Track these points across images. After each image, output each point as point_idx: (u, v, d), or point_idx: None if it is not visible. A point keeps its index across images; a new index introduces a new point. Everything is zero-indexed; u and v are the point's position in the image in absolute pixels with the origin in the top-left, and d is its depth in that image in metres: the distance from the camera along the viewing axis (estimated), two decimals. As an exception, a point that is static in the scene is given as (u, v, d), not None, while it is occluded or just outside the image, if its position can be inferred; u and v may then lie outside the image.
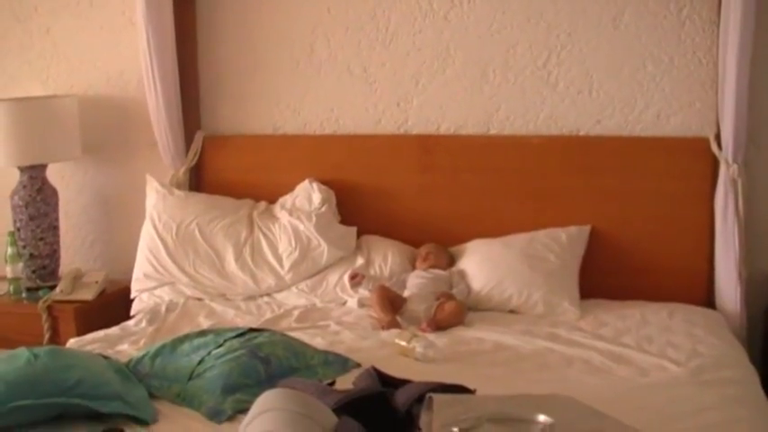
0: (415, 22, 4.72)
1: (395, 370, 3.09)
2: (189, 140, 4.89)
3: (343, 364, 3.44)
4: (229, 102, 4.99)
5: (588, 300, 4.32)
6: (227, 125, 5.00)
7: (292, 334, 3.73)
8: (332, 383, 3.13)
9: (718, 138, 4.35)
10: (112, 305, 4.71)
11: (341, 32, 4.80)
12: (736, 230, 4.29)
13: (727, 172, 4.30)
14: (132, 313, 4.47)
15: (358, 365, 3.40)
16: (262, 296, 4.49)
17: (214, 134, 4.97)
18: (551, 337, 3.89)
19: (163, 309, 4.29)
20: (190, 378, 3.18)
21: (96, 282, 4.75)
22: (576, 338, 3.87)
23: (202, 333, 3.51)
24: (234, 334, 3.43)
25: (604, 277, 4.47)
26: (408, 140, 4.76)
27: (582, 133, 4.62)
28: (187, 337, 3.46)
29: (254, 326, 3.82)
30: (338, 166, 4.78)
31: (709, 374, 3.42)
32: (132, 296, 4.57)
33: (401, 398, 2.67)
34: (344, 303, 4.39)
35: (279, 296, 4.48)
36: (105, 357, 3.36)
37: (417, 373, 3.09)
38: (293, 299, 4.45)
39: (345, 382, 3.12)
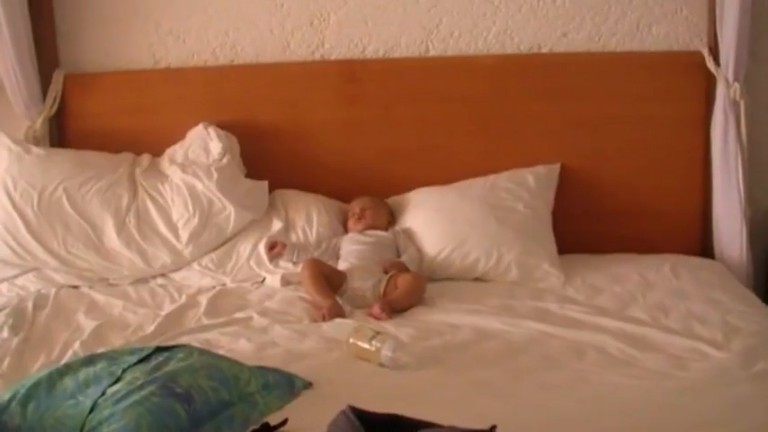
0: None
1: (353, 381, 2.68)
2: (46, 81, 4.27)
3: (288, 385, 2.67)
4: (94, 29, 4.34)
5: (564, 255, 3.86)
6: (94, 59, 4.36)
7: (205, 336, 3.14)
8: (283, 423, 2.36)
9: (713, 51, 3.94)
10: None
11: (233, -71, 4.29)
12: (739, 162, 3.89)
13: (726, 92, 3.87)
14: (-9, 311, 3.85)
15: (308, 385, 2.69)
16: (155, 277, 3.89)
17: (77, 71, 4.34)
18: (541, 314, 3.32)
19: (29, 306, 3.56)
20: (80, 435, 2.41)
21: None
22: (572, 315, 3.29)
23: (90, 360, 2.67)
24: (135, 359, 2.62)
25: (579, 225, 4.05)
26: (327, 67, 4.25)
27: (545, 50, 4.16)
28: (69, 369, 2.60)
29: (152, 324, 3.29)
30: (239, 104, 4.24)
31: (766, 362, 2.81)
32: (-11, 288, 3.94)
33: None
34: (263, 281, 3.82)
35: (177, 276, 3.89)
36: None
37: (387, 386, 2.65)
38: (196, 279, 3.85)
39: (298, 413, 2.43)
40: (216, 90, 4.24)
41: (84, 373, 2.57)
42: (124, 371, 2.55)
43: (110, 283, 3.84)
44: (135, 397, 2.39)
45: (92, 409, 2.41)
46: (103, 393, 2.45)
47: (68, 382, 2.54)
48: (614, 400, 2.50)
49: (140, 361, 2.62)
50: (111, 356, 2.67)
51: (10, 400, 2.49)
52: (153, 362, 2.60)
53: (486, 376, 2.77)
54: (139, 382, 2.45)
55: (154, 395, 2.39)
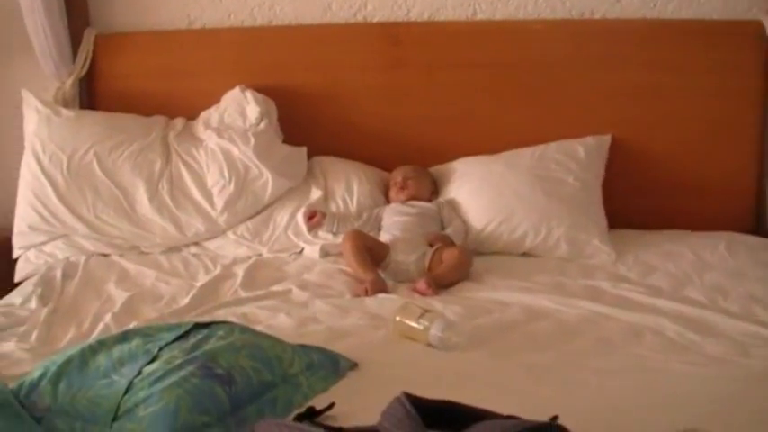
0: None
1: (401, 362, 2.56)
2: (76, 41, 4.10)
3: (333, 365, 2.54)
4: (127, -13, 4.18)
5: (613, 231, 3.73)
6: (126, 18, 4.22)
7: (242, 310, 3.04)
8: (330, 407, 2.22)
9: (774, 20, 3.81)
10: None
11: None
12: (796, 137, 3.80)
13: (786, 64, 3.78)
14: (17, 279, 3.67)
15: (354, 365, 2.56)
16: (188, 246, 3.76)
17: (109, 31, 4.20)
18: (593, 293, 3.18)
19: (58, 275, 3.45)
20: (115, 418, 2.20)
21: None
22: (626, 294, 3.15)
23: (124, 337, 2.53)
24: (173, 336, 2.48)
25: (629, 200, 3.92)
26: (369, 30, 4.10)
27: (597, 16, 4.01)
28: (103, 345, 2.46)
29: (187, 296, 3.18)
30: (277, 67, 4.09)
31: (833, 347, 2.71)
32: (15, 255, 3.78)
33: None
34: (301, 252, 3.70)
35: (211, 245, 3.75)
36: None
37: (436, 368, 2.52)
38: (231, 248, 3.73)
39: (345, 396, 2.30)
40: (253, 52, 4.11)
41: (118, 351, 2.43)
42: (161, 349, 2.42)
43: (141, 251, 3.71)
44: (173, 378, 2.25)
45: (127, 390, 2.28)
46: (139, 373, 2.32)
47: (102, 360, 2.40)
48: (676, 389, 2.37)
49: (178, 338, 2.49)
50: (147, 333, 2.52)
51: (40, 378, 2.34)
52: (191, 340, 2.47)
53: (540, 360, 2.64)
54: (177, 362, 2.31)
55: (193, 376, 2.25)
